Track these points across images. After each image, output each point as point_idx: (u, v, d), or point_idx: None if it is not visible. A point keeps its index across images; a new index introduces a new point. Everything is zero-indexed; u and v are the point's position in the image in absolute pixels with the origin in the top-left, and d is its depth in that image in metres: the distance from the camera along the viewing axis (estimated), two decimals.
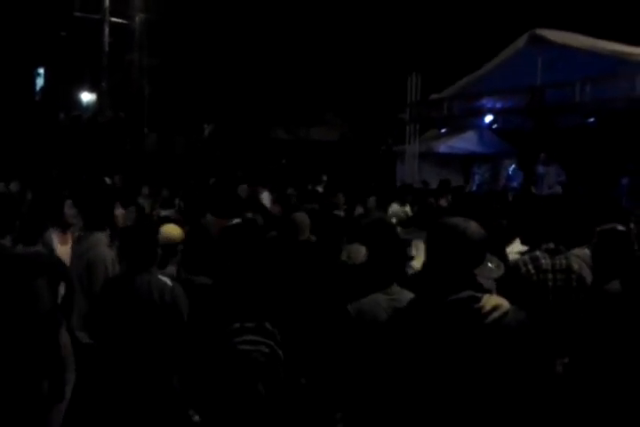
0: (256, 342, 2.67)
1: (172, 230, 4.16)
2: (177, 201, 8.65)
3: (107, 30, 20.16)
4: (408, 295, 2.56)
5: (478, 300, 2.02)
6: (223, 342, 2.67)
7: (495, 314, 2.01)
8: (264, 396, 2.65)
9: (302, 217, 4.37)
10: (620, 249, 3.16)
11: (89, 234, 4.26)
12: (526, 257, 3.45)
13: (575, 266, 3.46)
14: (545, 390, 2.13)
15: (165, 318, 3.15)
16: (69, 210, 4.72)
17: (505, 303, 2.06)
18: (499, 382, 1.99)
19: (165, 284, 3.28)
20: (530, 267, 3.37)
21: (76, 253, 4.28)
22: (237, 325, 2.68)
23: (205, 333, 2.75)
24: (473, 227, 2.13)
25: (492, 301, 2.03)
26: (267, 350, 2.66)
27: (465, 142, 14.57)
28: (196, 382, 2.81)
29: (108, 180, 11.12)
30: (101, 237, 4.25)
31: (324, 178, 13.47)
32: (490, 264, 3.35)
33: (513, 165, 13.37)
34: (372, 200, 8.40)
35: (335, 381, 2.73)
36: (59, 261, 3.51)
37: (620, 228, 3.62)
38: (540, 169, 12.24)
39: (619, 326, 2.28)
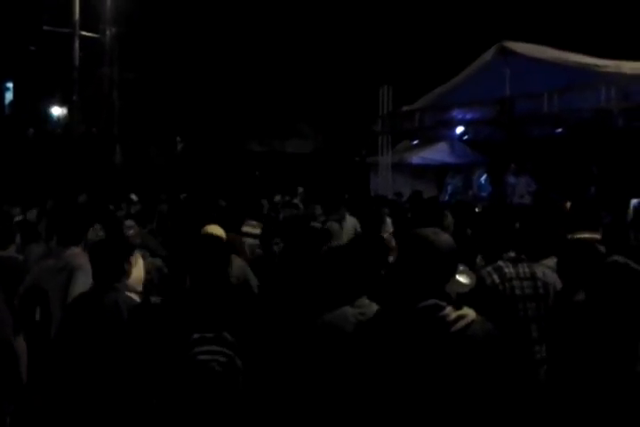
0: (214, 351, 2.68)
1: (214, 230, 4.33)
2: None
3: (77, 44, 20.02)
4: (375, 309, 2.55)
5: (442, 308, 2.03)
6: (183, 352, 2.67)
7: (461, 323, 2.01)
8: (220, 404, 2.66)
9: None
10: (584, 259, 3.20)
11: (64, 249, 4.19)
12: (489, 268, 3.46)
13: (539, 273, 3.50)
14: (515, 400, 2.14)
15: (133, 337, 3.11)
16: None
17: (471, 313, 2.07)
18: (464, 391, 1.99)
19: (132, 301, 3.24)
20: (495, 277, 3.38)
21: (52, 268, 4.19)
22: (197, 335, 2.70)
23: (167, 344, 2.75)
24: (443, 239, 2.14)
25: (457, 310, 2.04)
26: (224, 359, 2.67)
27: (437, 153, 14.71)
28: (159, 394, 2.80)
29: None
30: (81, 252, 4.19)
31: (300, 190, 13.48)
32: (461, 278, 3.38)
33: (484, 175, 13.55)
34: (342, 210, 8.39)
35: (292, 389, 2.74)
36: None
37: (587, 236, 3.66)
38: (511, 179, 12.41)
39: (584, 336, 2.32)
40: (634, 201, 9.22)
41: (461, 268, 3.30)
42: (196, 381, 2.66)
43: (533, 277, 3.43)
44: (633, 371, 2.48)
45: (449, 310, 2.04)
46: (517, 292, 3.38)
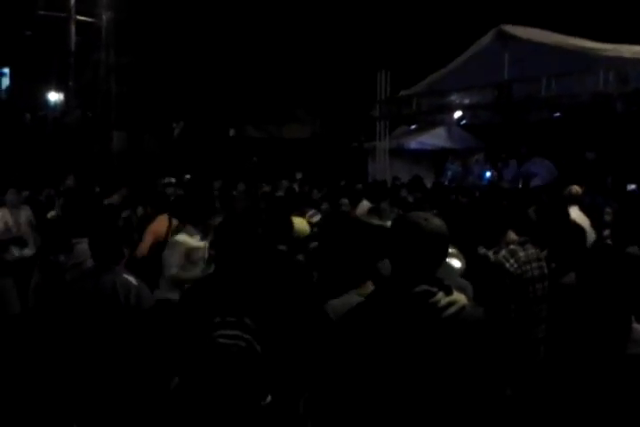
0: (234, 336, 2.69)
1: (299, 224, 4.23)
2: None
3: (73, 29, 19.83)
4: None
5: (433, 294, 2.02)
6: (204, 335, 2.69)
7: (451, 309, 2.01)
8: (239, 389, 2.68)
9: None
10: (577, 242, 3.22)
11: (77, 242, 4.18)
12: (504, 252, 3.49)
13: (542, 255, 3.57)
14: (502, 386, 2.15)
15: (128, 318, 3.15)
16: None
17: (462, 299, 2.06)
18: (454, 377, 1.99)
19: (131, 283, 3.28)
20: (512, 261, 3.43)
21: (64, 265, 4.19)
22: (218, 319, 2.71)
23: (190, 326, 2.77)
24: (435, 223, 2.11)
25: (448, 296, 2.03)
26: (244, 344, 2.69)
27: (435, 138, 14.67)
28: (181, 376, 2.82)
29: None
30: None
31: (299, 176, 13.46)
32: (453, 262, 3.39)
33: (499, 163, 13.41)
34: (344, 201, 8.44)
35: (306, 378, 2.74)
36: None
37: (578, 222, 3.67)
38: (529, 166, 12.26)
39: (575, 315, 2.33)
40: (630, 187, 9.23)
41: (452, 250, 3.31)
42: (215, 364, 2.68)
43: (539, 258, 3.50)
44: (623, 354, 2.50)
45: (440, 295, 2.03)
46: (529, 274, 3.45)
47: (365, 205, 8.99)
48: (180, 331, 2.82)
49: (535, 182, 11.70)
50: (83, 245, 4.10)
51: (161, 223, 5.33)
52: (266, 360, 2.73)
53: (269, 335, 2.76)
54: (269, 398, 2.80)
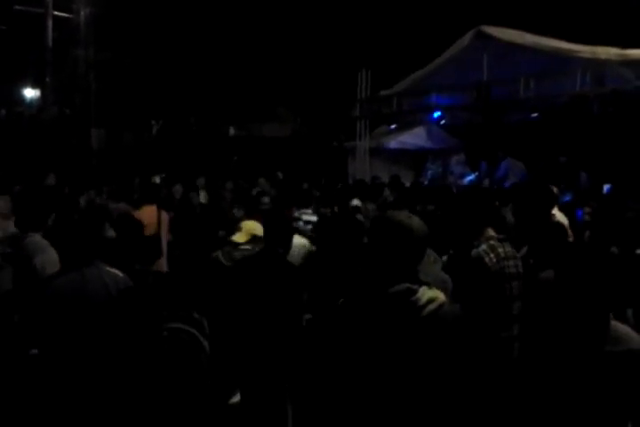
0: (177, 329, 2.70)
1: (253, 225, 4.11)
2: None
3: (50, 24, 19.58)
4: None
5: (415, 292, 2.05)
6: (150, 328, 2.70)
7: (431, 307, 2.03)
8: (179, 380, 2.68)
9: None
10: (557, 239, 3.26)
11: (26, 236, 4.10)
12: (484, 247, 3.51)
13: (517, 254, 3.61)
14: (481, 380, 2.17)
15: (124, 310, 3.09)
16: None
17: (441, 296, 2.09)
18: (434, 373, 2.01)
19: (118, 275, 3.24)
20: (492, 256, 3.45)
21: (13, 257, 4.10)
22: (166, 312, 2.74)
23: (142, 319, 2.77)
24: (415, 223, 2.15)
25: (428, 293, 2.06)
26: (186, 337, 2.70)
27: (415, 138, 14.73)
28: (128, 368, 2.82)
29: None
30: (42, 240, 4.10)
31: (280, 176, 13.42)
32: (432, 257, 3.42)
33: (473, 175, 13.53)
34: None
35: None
36: None
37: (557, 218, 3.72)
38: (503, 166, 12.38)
39: (552, 312, 2.35)
40: (606, 186, 9.38)
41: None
42: (157, 356, 2.68)
43: (514, 255, 3.53)
44: (602, 351, 2.53)
45: (420, 293, 2.06)
46: (506, 271, 3.47)
47: (356, 203, 9.00)
48: (133, 324, 2.83)
49: (508, 183, 11.84)
50: (31, 239, 4.04)
51: (150, 214, 5.26)
52: (217, 355, 2.74)
53: (221, 331, 2.77)
54: (238, 396, 2.79)
